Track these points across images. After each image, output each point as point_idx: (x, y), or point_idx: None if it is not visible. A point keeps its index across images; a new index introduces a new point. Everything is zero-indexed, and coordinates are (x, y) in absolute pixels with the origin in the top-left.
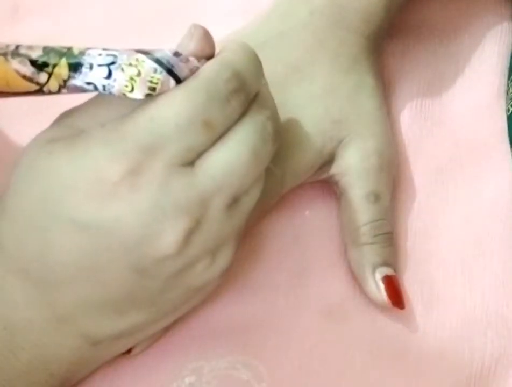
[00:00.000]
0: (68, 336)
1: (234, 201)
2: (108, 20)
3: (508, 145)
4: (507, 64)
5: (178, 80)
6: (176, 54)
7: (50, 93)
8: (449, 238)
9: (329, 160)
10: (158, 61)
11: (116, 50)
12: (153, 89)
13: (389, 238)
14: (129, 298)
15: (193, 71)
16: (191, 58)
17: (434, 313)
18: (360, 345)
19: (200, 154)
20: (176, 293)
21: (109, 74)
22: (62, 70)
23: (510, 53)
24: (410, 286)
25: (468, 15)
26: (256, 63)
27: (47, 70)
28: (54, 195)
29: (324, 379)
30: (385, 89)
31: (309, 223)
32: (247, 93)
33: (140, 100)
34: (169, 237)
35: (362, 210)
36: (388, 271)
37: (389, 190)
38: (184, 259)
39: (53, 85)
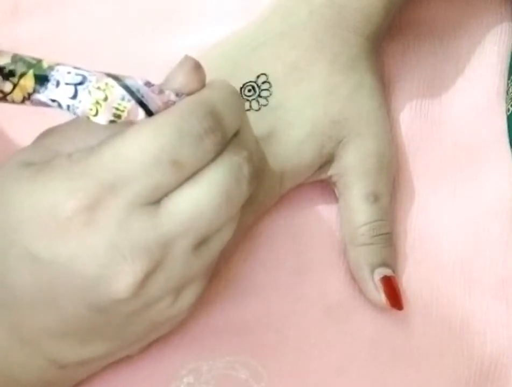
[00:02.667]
0: (34, 357)
1: (202, 242)
2: (108, 19)
3: (508, 145)
4: (507, 64)
5: (149, 112)
6: (147, 84)
7: (13, 102)
8: (448, 238)
9: (328, 160)
10: (127, 88)
11: (87, 71)
12: (118, 116)
13: (388, 238)
14: (90, 331)
15: (168, 105)
16: (167, 92)
17: (433, 312)
18: (359, 345)
19: (167, 193)
20: (139, 327)
21: (75, 95)
22: (28, 82)
23: (509, 53)
24: (409, 286)
25: (468, 15)
26: (237, 102)
27: (12, 80)
28: (12, 223)
29: (323, 378)
30: (385, 89)
31: (309, 223)
32: (224, 132)
33: (105, 125)
34: (125, 279)
35: (361, 211)
36: (386, 271)
37: (389, 190)
38: (142, 300)
39: (17, 96)
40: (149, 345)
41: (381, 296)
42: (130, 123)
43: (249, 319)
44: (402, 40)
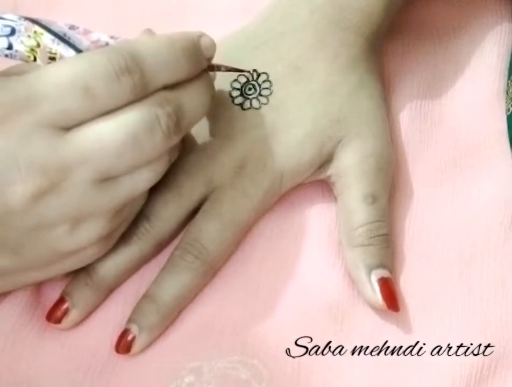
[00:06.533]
0: None
1: (108, 179)
2: (107, 19)
3: (508, 145)
4: (507, 64)
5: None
6: (72, 27)
7: None
8: (447, 238)
9: (328, 160)
10: (55, 34)
11: (12, 20)
12: (53, 59)
13: (386, 240)
14: None
15: (99, 44)
16: (95, 33)
17: (433, 313)
18: (359, 344)
19: (79, 122)
20: (38, 249)
21: (11, 46)
22: None
23: (509, 53)
24: (408, 286)
25: (468, 15)
26: (169, 54)
27: None
28: None
29: (323, 379)
30: (385, 89)
31: (309, 223)
32: (144, 78)
33: None
34: (17, 190)
35: (359, 212)
36: (383, 273)
37: (387, 191)
38: (36, 218)
39: None
40: (150, 345)
41: (377, 298)
42: None
43: (250, 319)
44: (402, 40)
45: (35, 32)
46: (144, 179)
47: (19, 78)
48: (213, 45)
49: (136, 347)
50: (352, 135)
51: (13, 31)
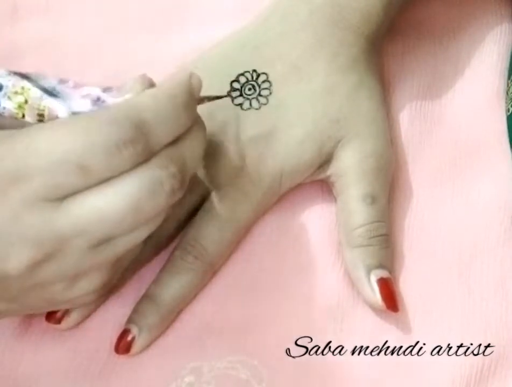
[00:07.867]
0: None
1: (104, 241)
2: (107, 21)
3: (508, 145)
4: (507, 64)
5: (71, 107)
6: (62, 81)
7: None
8: (447, 238)
9: (327, 160)
10: (43, 89)
11: (0, 76)
12: (42, 115)
13: (385, 240)
14: None
15: (90, 99)
16: (90, 88)
17: (433, 313)
18: (358, 345)
19: (73, 193)
20: (35, 300)
21: None
22: None
23: (509, 53)
24: (408, 286)
25: (468, 16)
26: (174, 113)
27: None
28: None
29: (323, 379)
30: (385, 89)
31: (309, 223)
32: (147, 144)
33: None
34: (11, 262)
35: (358, 212)
36: (383, 273)
37: (386, 192)
38: (32, 281)
39: None
40: (150, 345)
41: (377, 298)
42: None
43: (250, 319)
44: (402, 41)
45: (22, 88)
46: (142, 233)
47: (7, 145)
48: (200, 84)
49: (136, 347)
50: (352, 135)
51: (0, 88)
